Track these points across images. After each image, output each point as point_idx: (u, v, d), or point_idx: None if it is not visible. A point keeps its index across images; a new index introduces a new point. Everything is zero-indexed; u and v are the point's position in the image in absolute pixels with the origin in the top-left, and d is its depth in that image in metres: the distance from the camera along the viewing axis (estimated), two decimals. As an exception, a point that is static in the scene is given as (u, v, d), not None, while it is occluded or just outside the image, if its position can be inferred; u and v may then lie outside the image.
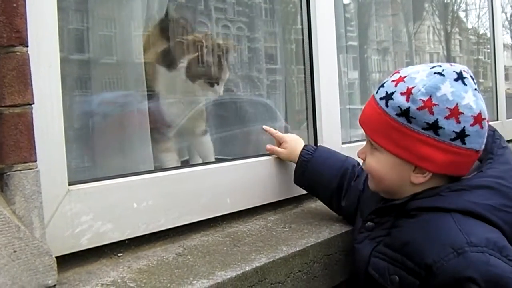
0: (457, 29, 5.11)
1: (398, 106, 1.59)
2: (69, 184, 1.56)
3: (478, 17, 5.25)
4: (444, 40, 4.74)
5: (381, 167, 1.70)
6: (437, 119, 1.55)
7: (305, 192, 2.30)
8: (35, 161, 1.33)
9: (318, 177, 2.08)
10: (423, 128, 1.56)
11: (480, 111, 1.56)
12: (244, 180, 2.09)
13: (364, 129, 1.73)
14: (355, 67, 3.56)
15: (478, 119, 1.55)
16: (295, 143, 2.18)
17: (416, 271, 1.55)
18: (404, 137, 1.60)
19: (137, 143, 2.03)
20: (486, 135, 1.60)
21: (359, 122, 1.75)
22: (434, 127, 1.55)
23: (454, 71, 1.59)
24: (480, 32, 5.25)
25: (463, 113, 1.54)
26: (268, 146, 2.22)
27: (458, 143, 1.56)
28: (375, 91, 1.69)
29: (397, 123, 1.60)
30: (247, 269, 1.56)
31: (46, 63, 1.48)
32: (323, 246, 1.85)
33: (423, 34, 4.49)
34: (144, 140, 2.03)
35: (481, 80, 4.92)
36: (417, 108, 1.56)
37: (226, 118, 2.54)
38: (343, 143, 2.60)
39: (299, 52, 2.62)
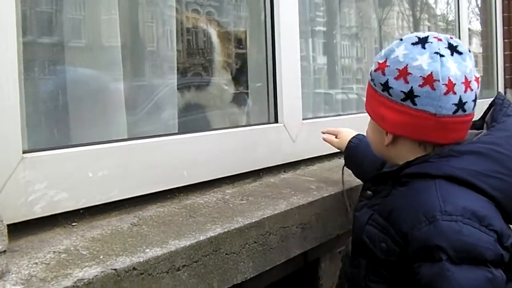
0: (426, 15, 5.14)
1: (370, 71, 1.71)
2: (24, 152, 1.55)
3: (447, 3, 5.29)
4: (413, 26, 4.77)
5: (369, 131, 1.83)
6: (388, 79, 1.62)
7: (264, 166, 2.32)
8: (-12, 127, 1.32)
9: (360, 162, 2.13)
10: (382, 90, 1.64)
11: (431, 72, 1.56)
12: (202, 152, 2.10)
13: None
14: (323, 52, 3.58)
15: (428, 80, 1.56)
16: (348, 133, 2.26)
17: (396, 239, 1.56)
18: (373, 99, 1.70)
19: (97, 116, 2.02)
20: (446, 98, 1.57)
21: None
22: (386, 87, 1.63)
23: (416, 36, 1.64)
24: (449, 19, 5.29)
25: (411, 74, 1.58)
26: (325, 136, 2.34)
27: (408, 103, 1.59)
28: None
29: (370, 87, 1.72)
30: (201, 239, 1.57)
31: (2, 31, 1.48)
32: (280, 218, 1.87)
33: (392, 20, 4.51)
34: (106, 112, 2.03)
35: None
36: (374, 70, 1.68)
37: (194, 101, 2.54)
38: (303, 119, 2.63)
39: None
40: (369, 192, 1.79)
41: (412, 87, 1.57)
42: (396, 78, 1.60)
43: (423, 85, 1.56)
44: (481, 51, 5.98)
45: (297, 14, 2.65)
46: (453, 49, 1.60)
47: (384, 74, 1.63)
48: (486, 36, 5.98)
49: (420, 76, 1.56)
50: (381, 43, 4.14)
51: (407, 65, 1.59)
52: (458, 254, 1.42)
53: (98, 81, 2.04)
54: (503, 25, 5.91)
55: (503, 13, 5.88)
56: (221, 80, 2.58)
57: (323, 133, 2.36)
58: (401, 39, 1.66)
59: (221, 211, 1.85)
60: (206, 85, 2.55)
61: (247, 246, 1.72)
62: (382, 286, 1.65)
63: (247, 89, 2.70)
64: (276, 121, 2.44)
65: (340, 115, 3.27)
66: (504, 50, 5.93)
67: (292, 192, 2.13)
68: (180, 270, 1.50)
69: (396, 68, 1.61)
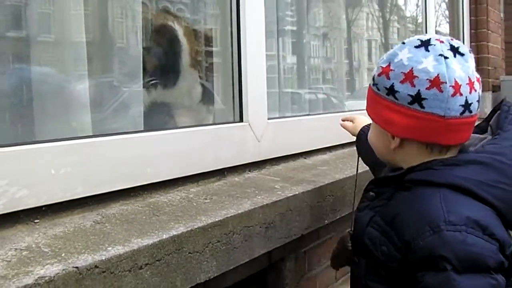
0: (395, 17, 5.18)
1: (372, 76, 1.70)
2: (-16, 148, 1.54)
3: (417, 5, 5.34)
4: (382, 27, 4.80)
5: (372, 136, 1.82)
6: (393, 83, 1.61)
7: (229, 165, 2.32)
8: None
9: (369, 151, 2.05)
10: (386, 94, 1.63)
11: (438, 74, 1.55)
12: (167, 150, 2.09)
13: None
14: (293, 51, 3.59)
15: (435, 83, 1.55)
16: (361, 121, 2.28)
17: (398, 245, 1.56)
18: (376, 103, 1.69)
19: (60, 112, 2.01)
20: (454, 100, 1.57)
21: None
22: (391, 91, 1.61)
23: (418, 39, 1.63)
24: (419, 21, 5.33)
25: (417, 77, 1.57)
26: (341, 122, 2.38)
27: (416, 106, 1.58)
28: None
29: (372, 91, 1.70)
30: (164, 238, 1.57)
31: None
32: (243, 217, 1.87)
33: (361, 21, 4.53)
34: (70, 109, 2.02)
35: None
36: (378, 75, 1.66)
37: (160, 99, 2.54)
38: (269, 118, 2.64)
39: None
40: (371, 194, 1.78)
41: (419, 90, 1.57)
42: (402, 82, 1.59)
43: (430, 88, 1.56)
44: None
45: (263, 13, 2.65)
46: (455, 50, 1.60)
47: (388, 78, 1.62)
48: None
49: (427, 79, 1.56)
50: (351, 44, 4.16)
51: (412, 68, 1.58)
52: (463, 264, 1.43)
53: (62, 77, 2.02)
54: (470, 29, 5.98)
55: (470, 16, 5.96)
56: (188, 78, 2.58)
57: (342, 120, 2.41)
58: (403, 43, 1.66)
59: (185, 210, 1.85)
60: (173, 83, 2.54)
61: (210, 245, 1.72)
62: (382, 286, 1.66)
63: (213, 88, 2.70)
64: (241, 120, 2.45)
65: (309, 114, 3.28)
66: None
67: (256, 192, 2.14)
68: (142, 269, 1.49)
69: (402, 72, 1.60)
